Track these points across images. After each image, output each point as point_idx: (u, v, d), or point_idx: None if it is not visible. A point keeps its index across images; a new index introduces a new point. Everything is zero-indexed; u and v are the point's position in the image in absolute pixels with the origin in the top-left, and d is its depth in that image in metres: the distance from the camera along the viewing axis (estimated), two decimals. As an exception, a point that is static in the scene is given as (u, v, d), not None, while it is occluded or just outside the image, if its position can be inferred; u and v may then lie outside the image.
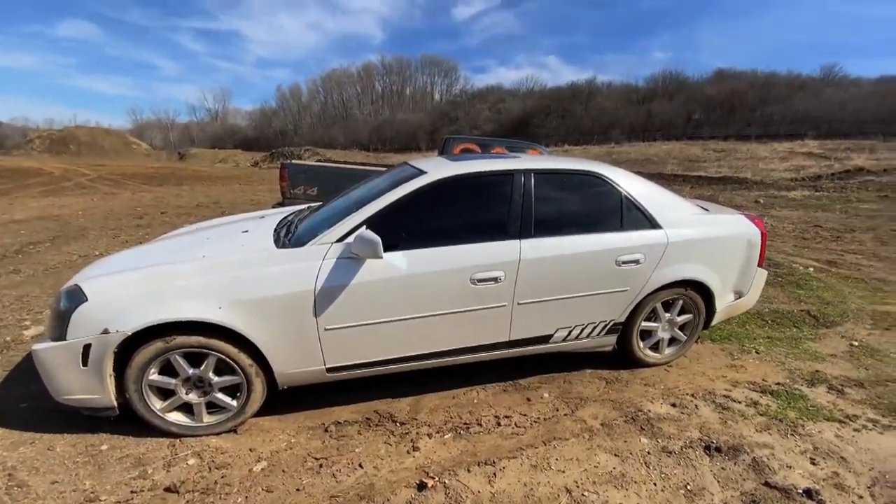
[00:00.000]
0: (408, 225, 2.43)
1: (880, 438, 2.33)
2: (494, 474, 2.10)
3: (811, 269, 5.48)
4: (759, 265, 3.10)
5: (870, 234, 7.79)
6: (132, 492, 1.96)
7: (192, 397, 2.27)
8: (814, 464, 2.16)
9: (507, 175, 2.62)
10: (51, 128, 61.65)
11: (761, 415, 2.53)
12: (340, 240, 2.30)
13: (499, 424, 2.48)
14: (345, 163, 8.55)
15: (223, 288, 2.15)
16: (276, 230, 2.68)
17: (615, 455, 2.23)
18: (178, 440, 2.29)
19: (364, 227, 2.30)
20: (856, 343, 3.46)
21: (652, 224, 2.79)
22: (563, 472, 2.12)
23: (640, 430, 2.41)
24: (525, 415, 2.56)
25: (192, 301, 2.11)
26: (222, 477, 2.07)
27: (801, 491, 1.97)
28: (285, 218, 2.99)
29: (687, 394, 2.73)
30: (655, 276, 2.77)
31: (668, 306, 2.96)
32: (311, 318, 2.23)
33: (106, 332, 2.04)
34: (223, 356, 2.20)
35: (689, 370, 3.03)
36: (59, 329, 2.06)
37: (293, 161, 6.70)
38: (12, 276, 4.72)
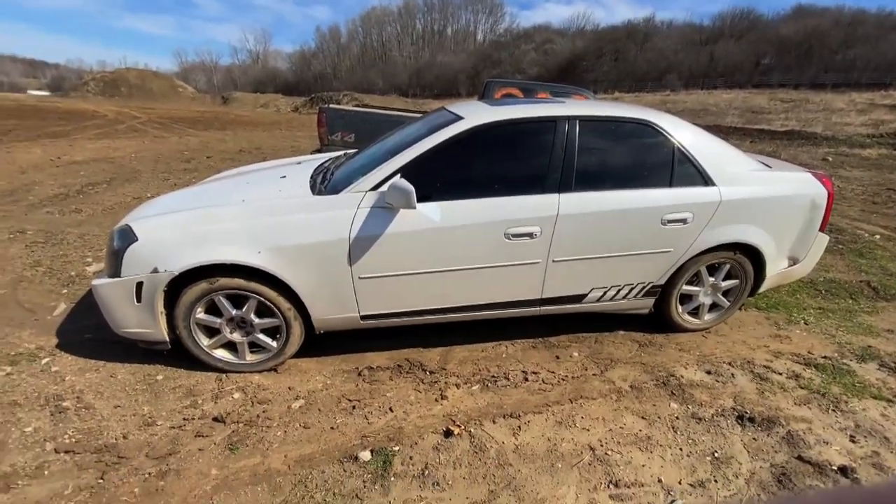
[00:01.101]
0: (443, 174, 2.38)
1: (933, 421, 2.20)
2: (519, 427, 2.16)
3: (877, 237, 5.04)
4: (821, 230, 2.86)
5: (954, 200, 7.01)
6: (184, 419, 2.15)
7: (236, 336, 2.41)
8: (853, 441, 2.08)
9: (550, 122, 2.47)
10: (103, 70, 63.51)
11: (802, 388, 2.43)
12: (375, 188, 2.29)
13: (526, 380, 2.51)
14: (383, 108, 8.35)
15: (262, 233, 2.21)
16: (312, 176, 2.69)
17: (642, 418, 2.22)
18: (224, 375, 2.46)
19: (398, 175, 2.27)
20: (919, 319, 3.21)
21: (705, 180, 2.59)
22: (588, 430, 2.14)
23: (670, 395, 2.38)
24: (553, 372, 2.57)
25: (233, 245, 2.19)
26: (263, 411, 2.22)
27: (835, 468, 1.91)
28: (322, 164, 2.99)
29: (724, 362, 2.65)
30: (703, 238, 2.62)
31: (712, 270, 2.82)
32: (345, 266, 2.27)
33: (155, 270, 2.16)
34: (263, 299, 2.30)
35: (728, 338, 2.92)
36: (114, 267, 2.20)
37: (331, 106, 6.60)
38: (74, 214, 5.06)
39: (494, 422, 2.19)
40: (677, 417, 2.22)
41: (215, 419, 2.16)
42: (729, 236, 2.64)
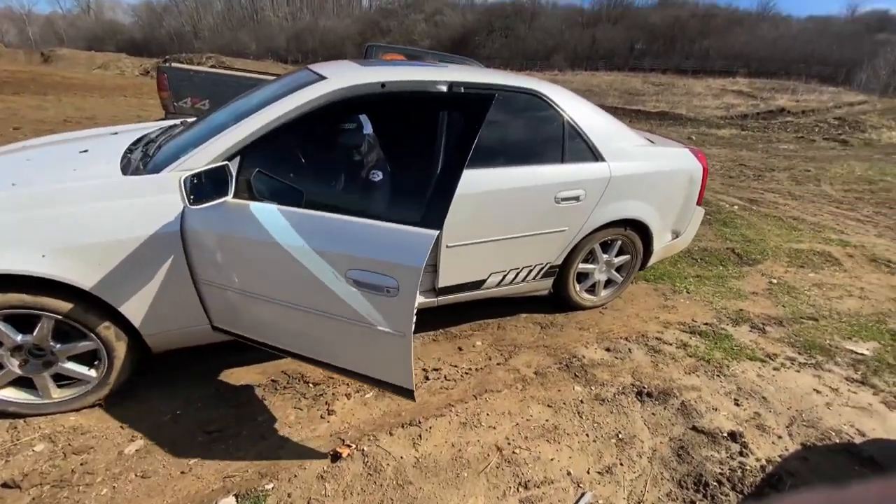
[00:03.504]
0: (291, 158, 2.01)
1: (797, 377, 2.50)
2: (420, 436, 1.97)
3: (735, 208, 5.80)
4: (698, 203, 3.10)
5: (786, 174, 8.43)
6: (-47, 491, 1.59)
7: (31, 369, 1.84)
8: (737, 405, 2.27)
9: (433, 89, 2.23)
10: None
11: (690, 356, 2.61)
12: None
13: (427, 378, 2.34)
14: (243, 70, 7.36)
15: (47, 228, 1.67)
16: (128, 151, 2.15)
17: (548, 406, 2.19)
18: (22, 421, 1.89)
19: (237, 156, 1.81)
20: (774, 281, 3.71)
21: (595, 156, 2.61)
22: (495, 427, 2.04)
23: (573, 378, 2.38)
24: (455, 366, 2.43)
25: (2, 248, 1.62)
26: (82, 464, 1.74)
27: (725, 434, 2.06)
28: (147, 136, 2.43)
29: (621, 337, 2.75)
30: (596, 215, 2.65)
31: (605, 247, 2.90)
32: (182, 268, 1.83)
33: None
34: (63, 318, 1.76)
35: (623, 312, 3.06)
36: None
37: (174, 66, 5.63)
38: None
39: (392, 433, 1.97)
40: (582, 401, 2.22)
41: (4, 485, 1.63)
42: (620, 213, 2.72)
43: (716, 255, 4.17)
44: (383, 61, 2.59)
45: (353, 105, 2.18)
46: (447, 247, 2.31)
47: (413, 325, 1.50)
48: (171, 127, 2.59)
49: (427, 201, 1.61)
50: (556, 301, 2.97)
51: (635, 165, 2.74)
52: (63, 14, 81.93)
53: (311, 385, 2.23)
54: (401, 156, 2.45)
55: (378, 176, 2.32)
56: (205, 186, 1.60)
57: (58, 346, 1.83)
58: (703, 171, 3.02)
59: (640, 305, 3.17)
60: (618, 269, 3.04)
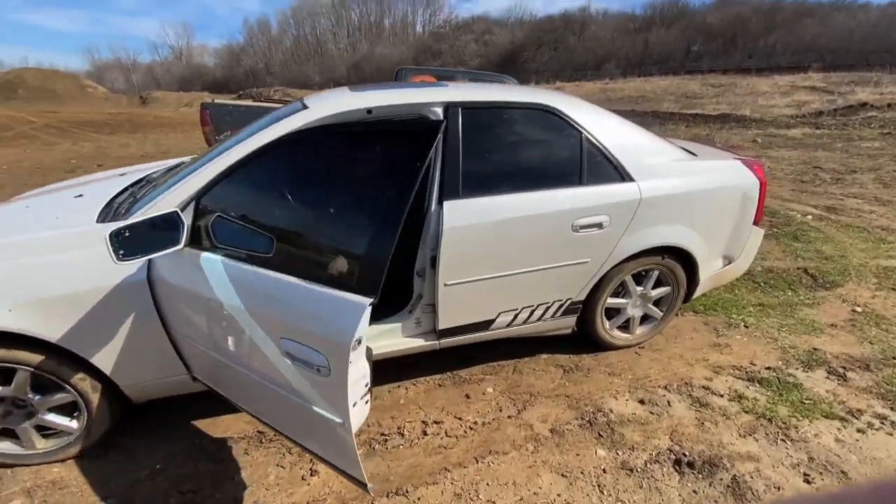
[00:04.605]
0: (271, 196, 1.82)
1: (889, 442, 1.93)
2: (406, 509, 1.67)
3: (809, 217, 5.00)
4: (756, 222, 2.58)
5: (871, 176, 7.28)
6: (-85, 558, 1.50)
7: (13, 421, 1.76)
8: (808, 481, 1.76)
9: (421, 111, 1.97)
10: (-3, 70, 57.16)
11: (746, 412, 2.11)
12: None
13: (425, 433, 2.03)
14: (280, 102, 7.53)
15: (13, 280, 1.59)
16: (117, 195, 2.06)
17: (563, 475, 1.80)
18: (9, 471, 1.81)
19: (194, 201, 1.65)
20: (858, 309, 3.04)
21: (621, 175, 2.21)
22: (494, 503, 1.69)
23: (597, 438, 1.98)
24: (460, 418, 2.11)
25: None
26: (48, 528, 1.61)
27: (791, 527, 1.57)
28: (148, 177, 2.36)
29: (659, 385, 2.29)
30: (625, 243, 2.25)
31: (639, 278, 2.46)
32: (153, 318, 1.68)
33: None
34: (35, 370, 1.66)
35: (664, 352, 2.58)
36: None
37: (215, 102, 5.84)
38: None
39: (374, 505, 1.69)
40: (604, 470, 1.82)
41: (-35, 552, 1.52)
42: (654, 239, 2.29)
43: (783, 276, 3.53)
44: (378, 85, 2.36)
45: (338, 133, 1.96)
46: (445, 285, 2.01)
47: (351, 413, 1.20)
48: (175, 166, 2.51)
49: (364, 257, 1.33)
50: (584, 338, 2.56)
51: (672, 184, 2.31)
52: (161, 61, 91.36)
53: (298, 439, 1.99)
54: (351, 195, 2.12)
55: (332, 219, 2.01)
56: (147, 236, 1.42)
57: (37, 397, 1.74)
58: (761, 186, 2.50)
59: (686, 344, 2.67)
60: (656, 303, 2.58)
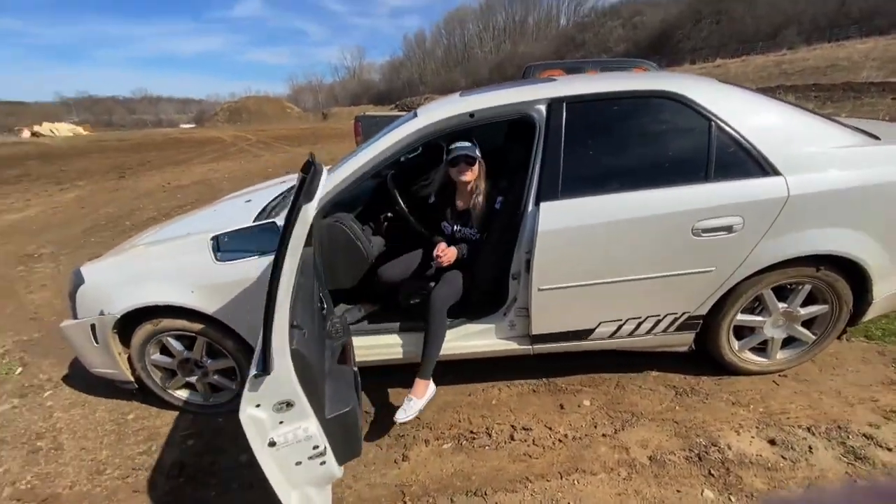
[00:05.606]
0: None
1: None
2: (481, 511, 1.63)
3: None
4: (975, 227, 1.83)
5: None
6: (133, 468, 2.00)
7: (194, 378, 2.22)
8: None
9: (526, 110, 1.87)
10: (231, 100, 72.45)
11: (934, 479, 1.53)
12: None
13: (512, 438, 1.95)
14: None
15: (194, 270, 1.97)
16: (272, 201, 2.41)
17: (656, 511, 1.55)
18: (191, 416, 2.29)
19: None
20: None
21: (763, 168, 1.78)
22: (573, 525, 1.55)
23: (706, 476, 1.65)
24: (550, 428, 1.98)
25: (166, 284, 1.98)
26: (210, 465, 1.99)
27: None
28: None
29: (800, 425, 1.81)
30: (764, 250, 1.81)
31: (784, 292, 1.97)
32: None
33: (102, 313, 2.03)
34: (210, 340, 2.06)
35: (813, 385, 2.03)
36: (72, 309, 2.12)
37: (366, 114, 6.41)
38: (149, 237, 5.48)
39: (452, 500, 1.69)
40: (710, 516, 1.51)
41: (159, 472, 1.97)
42: (805, 246, 1.80)
43: None
44: (491, 87, 2.30)
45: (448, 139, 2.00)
46: (539, 290, 1.89)
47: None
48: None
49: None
50: (706, 358, 2.16)
51: (836, 177, 1.78)
52: (339, 80, 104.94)
53: (397, 422, 2.10)
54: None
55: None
56: (246, 242, 1.66)
57: (209, 361, 2.16)
58: (984, 179, 1.77)
59: (847, 377, 2.05)
60: (807, 324, 2.03)
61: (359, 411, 1.51)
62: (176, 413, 2.30)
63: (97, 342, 2.10)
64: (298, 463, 1.28)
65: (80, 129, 36.28)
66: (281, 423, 1.24)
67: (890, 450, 1.65)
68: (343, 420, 1.40)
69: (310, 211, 1.28)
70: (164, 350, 2.16)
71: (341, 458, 1.38)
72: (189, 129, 43.65)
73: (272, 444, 1.23)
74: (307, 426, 1.26)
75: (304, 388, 1.25)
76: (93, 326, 2.07)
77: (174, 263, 2.02)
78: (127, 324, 2.06)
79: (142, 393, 2.31)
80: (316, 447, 1.28)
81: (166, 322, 2.03)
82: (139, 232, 3.09)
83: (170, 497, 1.84)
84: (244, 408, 1.21)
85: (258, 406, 1.22)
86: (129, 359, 2.17)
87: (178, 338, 2.11)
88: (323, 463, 1.31)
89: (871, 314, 1.97)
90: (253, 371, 1.18)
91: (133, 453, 2.08)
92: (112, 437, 2.18)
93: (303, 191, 1.18)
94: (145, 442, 2.14)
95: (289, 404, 1.23)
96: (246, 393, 1.20)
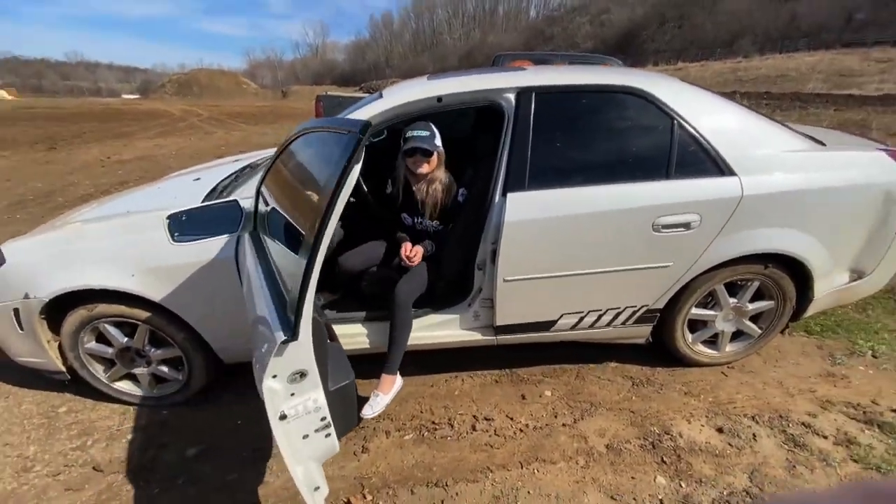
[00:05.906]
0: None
1: None
2: (442, 502, 1.63)
3: None
4: (902, 230, 2.01)
5: None
6: (65, 465, 1.85)
7: (136, 368, 2.07)
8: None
9: (497, 97, 1.86)
10: (181, 72, 68.12)
11: (855, 461, 1.68)
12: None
13: (474, 429, 1.96)
14: None
15: (134, 251, 1.83)
16: (223, 180, 2.27)
17: (612, 497, 1.61)
18: (131, 409, 2.15)
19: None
20: None
21: (720, 168, 1.86)
22: (532, 513, 1.58)
23: (658, 463, 1.73)
24: (511, 418, 2.00)
25: (103, 267, 1.82)
26: (152, 460, 1.87)
27: None
28: (253, 163, 2.57)
29: (745, 414, 1.93)
30: (719, 247, 1.90)
31: (734, 288, 2.08)
32: (236, 288, 1.82)
33: (27, 296, 1.85)
34: (153, 327, 1.93)
35: (758, 376, 2.17)
36: None
37: (327, 94, 6.23)
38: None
39: (413, 492, 1.68)
40: (661, 501, 1.59)
41: (94, 468, 1.83)
42: (756, 245, 1.90)
43: (943, 298, 2.74)
44: (455, 72, 2.26)
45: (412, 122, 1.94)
46: (504, 281, 1.90)
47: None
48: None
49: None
50: (661, 350, 2.26)
51: (786, 179, 1.89)
52: (300, 58, 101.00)
53: (364, 418, 2.06)
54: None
55: None
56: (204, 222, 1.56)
57: (153, 350, 2.03)
58: (913, 183, 1.94)
59: (788, 369, 2.21)
60: (755, 318, 2.17)
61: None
62: (114, 405, 2.15)
63: (21, 329, 1.92)
64: (305, 437, 1.25)
65: (4, 94, 32.96)
66: (292, 394, 1.20)
67: (825, 437, 1.79)
68: (344, 392, 1.39)
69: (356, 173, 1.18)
70: (102, 338, 2.00)
71: (340, 431, 1.35)
72: (133, 100, 40.65)
73: (283, 417, 1.19)
74: (317, 397, 1.24)
75: (317, 358, 1.21)
76: (16, 311, 1.88)
77: (116, 243, 1.86)
78: (57, 309, 1.89)
79: (75, 384, 2.14)
80: (323, 419, 1.26)
81: (102, 307, 1.88)
82: (73, 209, 2.84)
83: (107, 494, 1.72)
84: (264, 378, 1.15)
85: (275, 377, 1.17)
86: (60, 347, 2.00)
87: (117, 325, 1.96)
88: (328, 435, 1.29)
89: (811, 310, 2.12)
90: (281, 337, 1.12)
91: (65, 449, 1.93)
92: (41, 432, 2.01)
93: (355, 153, 1.08)
94: (79, 437, 1.99)
95: (302, 374, 1.19)
96: (272, 360, 1.13)
